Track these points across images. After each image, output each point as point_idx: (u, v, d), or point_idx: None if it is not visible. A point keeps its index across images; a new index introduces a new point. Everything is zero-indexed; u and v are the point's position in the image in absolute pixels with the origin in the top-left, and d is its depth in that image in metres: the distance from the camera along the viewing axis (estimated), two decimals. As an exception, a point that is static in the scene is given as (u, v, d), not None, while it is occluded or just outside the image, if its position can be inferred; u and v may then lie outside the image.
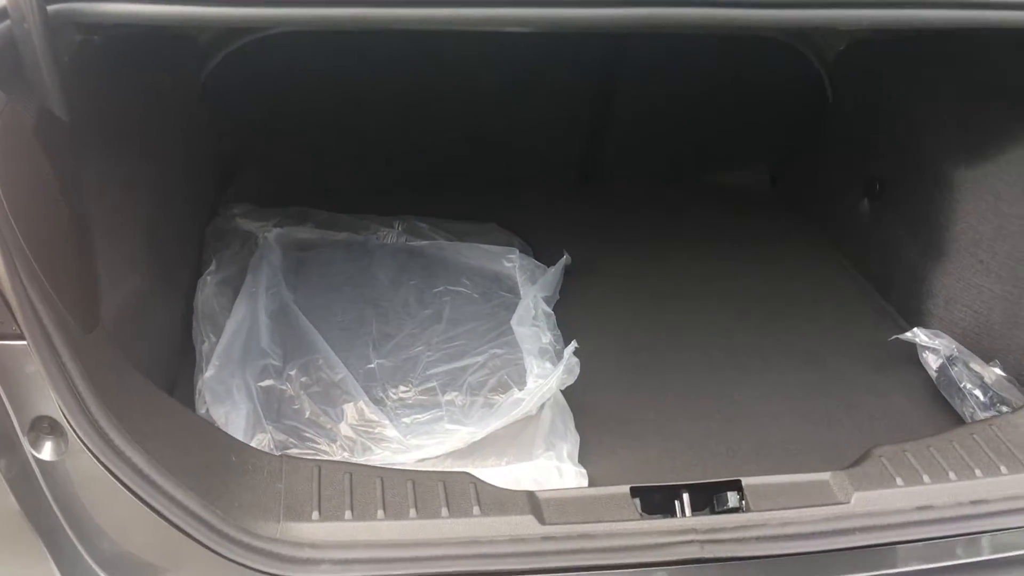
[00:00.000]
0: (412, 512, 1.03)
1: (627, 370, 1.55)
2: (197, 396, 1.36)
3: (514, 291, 1.71)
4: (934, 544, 1.03)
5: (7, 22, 0.95)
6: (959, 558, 1.04)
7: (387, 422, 1.36)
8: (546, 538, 1.02)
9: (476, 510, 1.04)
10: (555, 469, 1.31)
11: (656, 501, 1.08)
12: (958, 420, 1.45)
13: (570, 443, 1.36)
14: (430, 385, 1.46)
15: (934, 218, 1.63)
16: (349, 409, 1.37)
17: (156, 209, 1.41)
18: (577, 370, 1.36)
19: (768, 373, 1.57)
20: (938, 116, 1.65)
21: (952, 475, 1.09)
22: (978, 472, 1.10)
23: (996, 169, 1.55)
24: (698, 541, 1.01)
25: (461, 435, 1.35)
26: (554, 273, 1.73)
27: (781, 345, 1.64)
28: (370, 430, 1.35)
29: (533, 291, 1.66)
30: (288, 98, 1.92)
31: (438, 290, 1.69)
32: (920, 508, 1.06)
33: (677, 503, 1.08)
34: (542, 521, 1.03)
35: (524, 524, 1.03)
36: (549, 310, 1.63)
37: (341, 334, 1.55)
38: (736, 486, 1.09)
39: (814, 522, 1.04)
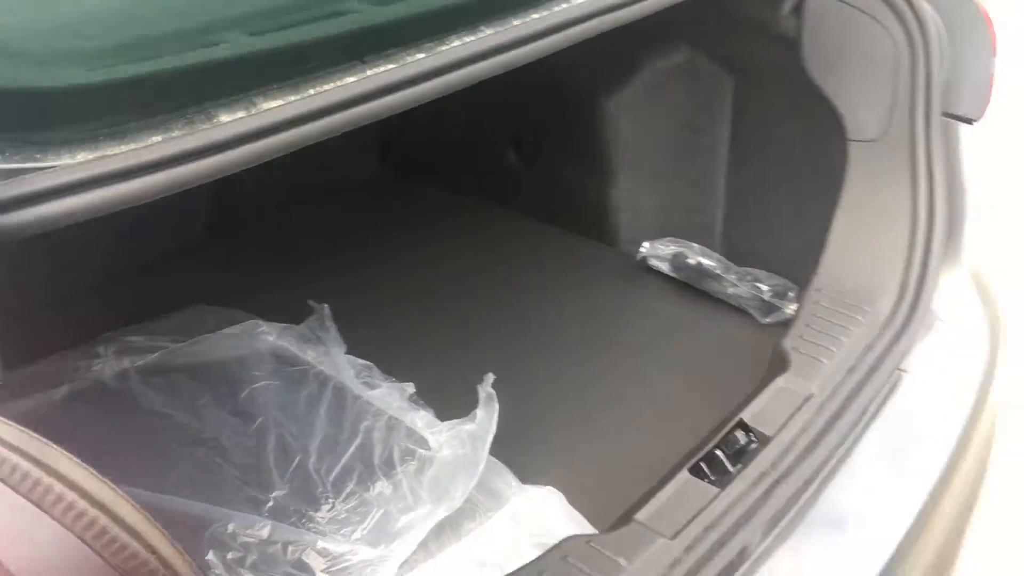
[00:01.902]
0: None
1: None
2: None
3: (298, 362, 1.55)
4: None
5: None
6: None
7: (349, 546, 1.20)
8: (687, 549, 1.05)
9: (622, 561, 1.02)
10: (527, 499, 1.30)
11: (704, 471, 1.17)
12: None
13: (505, 470, 1.35)
14: (346, 488, 1.30)
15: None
16: (310, 559, 1.17)
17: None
18: (496, 402, 1.34)
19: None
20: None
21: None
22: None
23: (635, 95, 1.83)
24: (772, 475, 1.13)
25: (423, 514, 1.25)
26: (327, 326, 1.60)
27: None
28: (347, 564, 1.18)
29: (329, 350, 1.53)
30: None
31: (241, 396, 1.46)
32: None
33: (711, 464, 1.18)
34: (668, 536, 1.05)
35: (662, 548, 1.04)
36: (366, 361, 1.52)
37: (205, 487, 1.28)
38: (741, 425, 1.23)
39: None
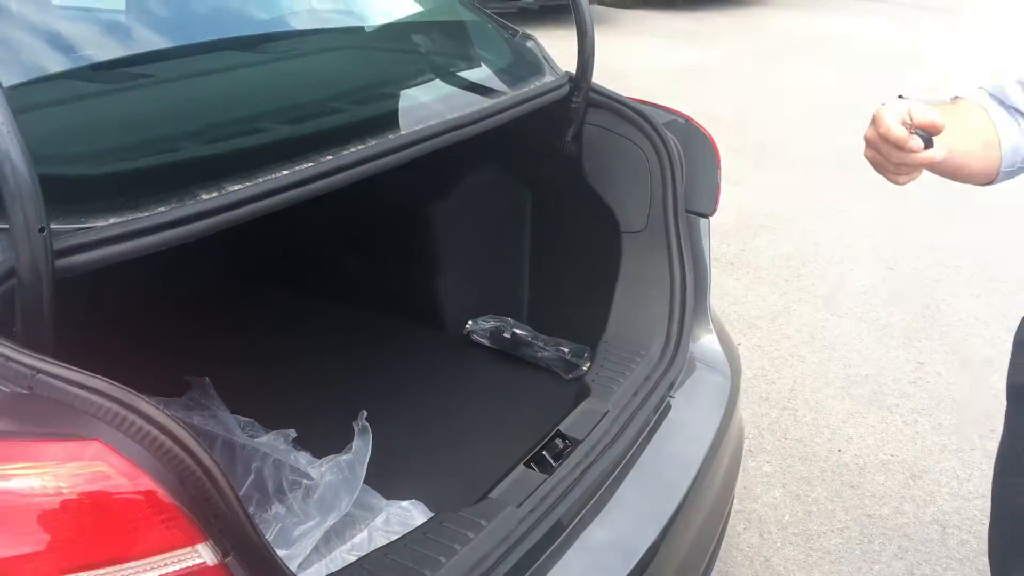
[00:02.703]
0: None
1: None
2: None
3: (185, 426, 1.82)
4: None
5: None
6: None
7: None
8: (530, 511, 1.42)
9: (483, 522, 1.38)
10: (397, 508, 1.64)
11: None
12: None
13: (374, 491, 1.68)
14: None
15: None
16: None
17: None
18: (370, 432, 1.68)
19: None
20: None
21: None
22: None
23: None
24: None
25: (313, 525, 1.56)
26: (209, 395, 1.88)
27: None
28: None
29: (215, 413, 1.82)
30: None
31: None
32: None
33: (539, 460, 1.58)
34: (515, 505, 1.43)
35: (511, 513, 1.41)
36: (248, 418, 1.82)
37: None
38: (559, 434, 1.63)
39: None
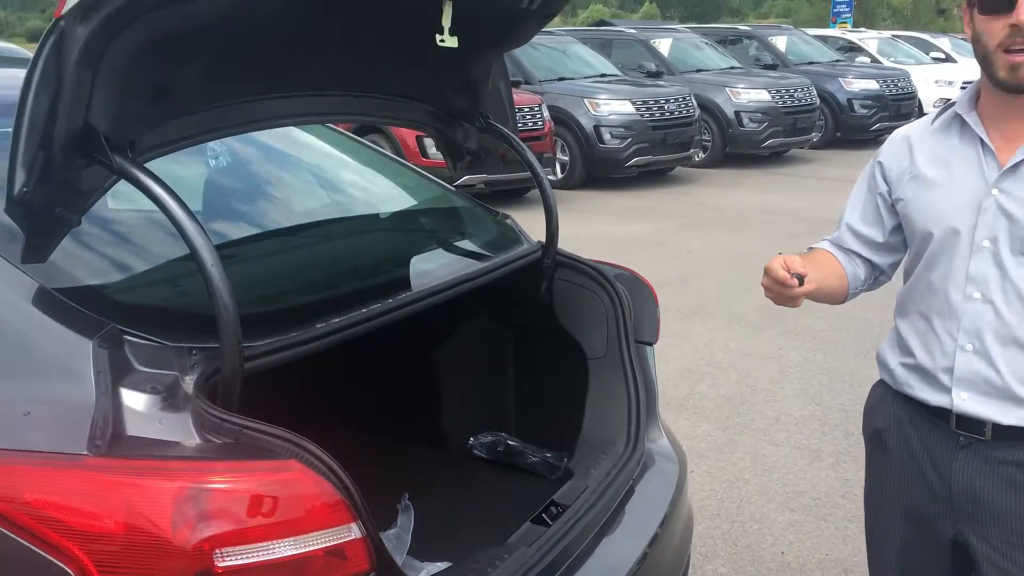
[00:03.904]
0: None
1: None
2: None
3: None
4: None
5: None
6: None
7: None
8: (537, 550, 1.96)
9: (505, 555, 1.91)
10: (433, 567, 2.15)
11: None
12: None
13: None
14: None
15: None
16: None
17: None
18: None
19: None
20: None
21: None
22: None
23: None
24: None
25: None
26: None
27: None
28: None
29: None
30: None
31: None
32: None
33: (539, 520, 2.12)
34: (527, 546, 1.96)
35: (522, 552, 1.94)
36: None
37: None
38: (553, 503, 2.18)
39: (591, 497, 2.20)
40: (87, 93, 1.49)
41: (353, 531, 1.43)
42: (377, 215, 2.81)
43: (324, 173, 2.83)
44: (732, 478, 4.22)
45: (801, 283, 1.84)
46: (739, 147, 13.65)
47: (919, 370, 1.93)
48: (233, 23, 1.61)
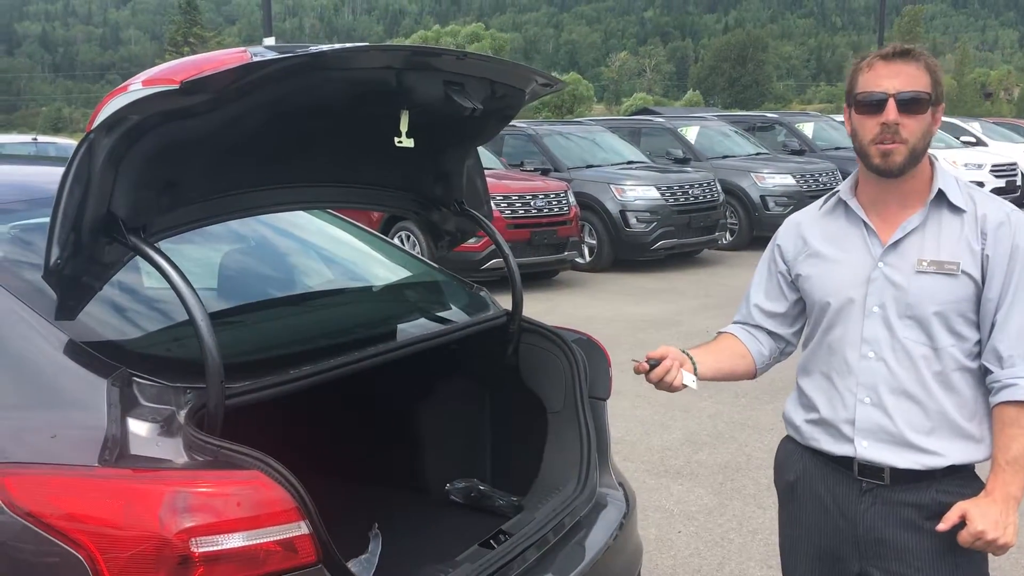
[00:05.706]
0: None
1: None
2: None
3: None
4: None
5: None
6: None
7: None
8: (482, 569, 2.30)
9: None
10: None
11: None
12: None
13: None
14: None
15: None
16: None
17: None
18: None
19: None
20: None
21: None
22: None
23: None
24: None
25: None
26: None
27: None
28: None
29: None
30: None
31: None
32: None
33: (487, 544, 2.46)
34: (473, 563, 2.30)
35: (470, 567, 2.28)
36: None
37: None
38: (501, 531, 2.52)
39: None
40: (110, 187, 1.93)
41: (302, 528, 1.81)
42: (364, 287, 3.24)
43: (324, 252, 3.28)
44: (717, 538, 4.49)
45: (652, 369, 2.19)
46: (766, 230, 13.99)
47: (824, 424, 2.15)
48: (226, 132, 2.05)
